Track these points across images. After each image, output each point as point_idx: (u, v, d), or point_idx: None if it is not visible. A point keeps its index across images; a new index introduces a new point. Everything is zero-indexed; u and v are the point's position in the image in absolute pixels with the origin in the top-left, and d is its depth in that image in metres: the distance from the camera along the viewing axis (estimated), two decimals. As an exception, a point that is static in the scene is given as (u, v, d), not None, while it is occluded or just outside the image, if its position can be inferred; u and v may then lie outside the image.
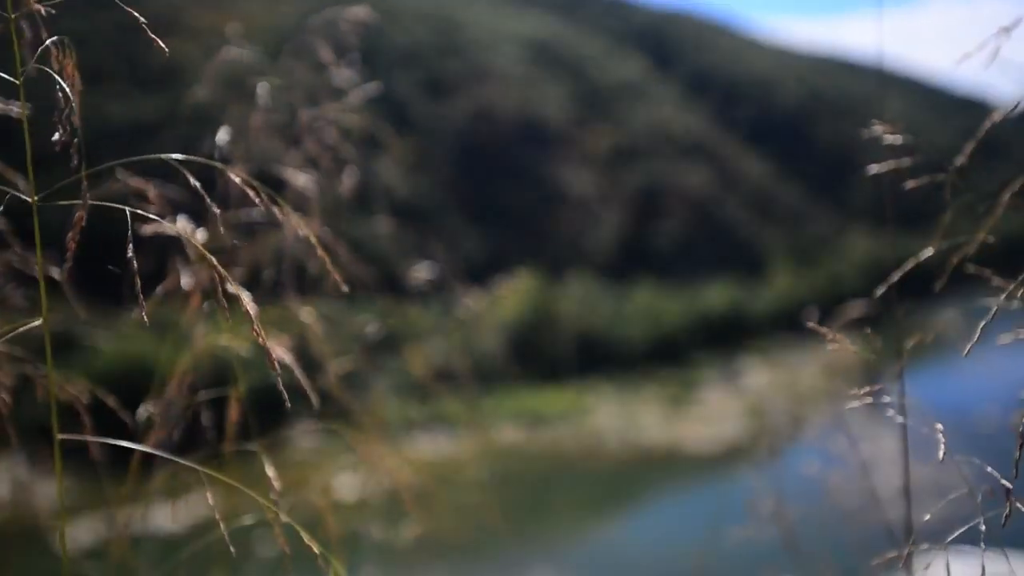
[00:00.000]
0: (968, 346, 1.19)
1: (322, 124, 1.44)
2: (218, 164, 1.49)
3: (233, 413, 1.13)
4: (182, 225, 1.14)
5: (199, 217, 1.58)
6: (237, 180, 1.36)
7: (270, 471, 1.10)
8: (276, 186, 1.48)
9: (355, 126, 1.51)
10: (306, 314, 1.43)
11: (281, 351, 1.18)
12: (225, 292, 1.20)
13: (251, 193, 1.50)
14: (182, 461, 1.19)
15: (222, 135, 1.33)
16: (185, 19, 55.11)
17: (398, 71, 62.36)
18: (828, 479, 1.86)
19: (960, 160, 1.24)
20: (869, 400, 1.24)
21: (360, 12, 1.50)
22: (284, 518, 1.11)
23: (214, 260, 1.25)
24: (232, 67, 1.47)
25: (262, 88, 1.43)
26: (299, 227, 1.25)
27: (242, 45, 1.64)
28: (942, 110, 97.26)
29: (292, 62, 1.54)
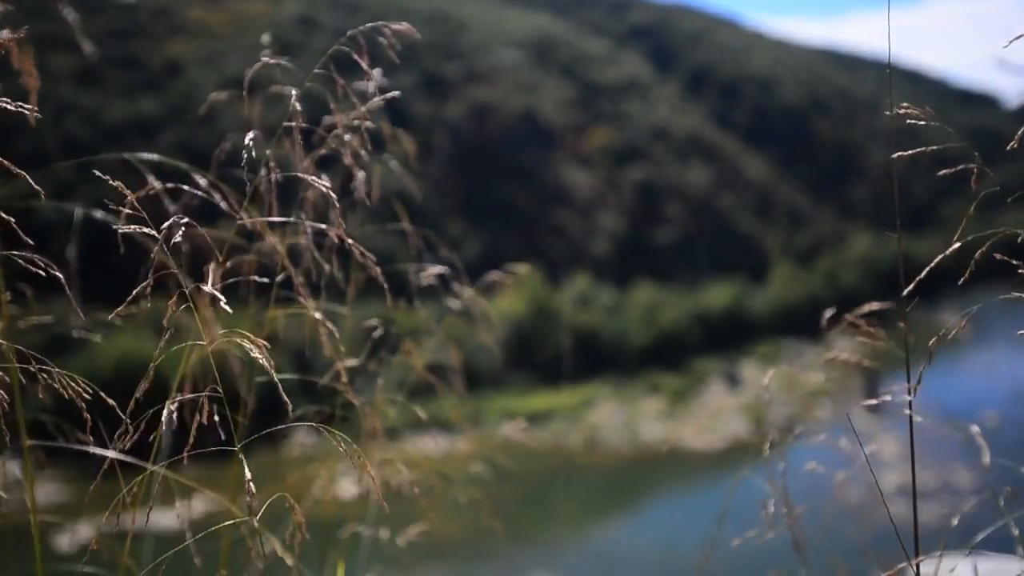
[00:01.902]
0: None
1: (345, 130, 1.44)
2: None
3: (204, 415, 1.12)
4: (166, 225, 1.13)
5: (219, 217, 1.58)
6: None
7: (247, 475, 1.09)
8: (298, 188, 1.48)
9: (375, 131, 1.51)
10: (313, 314, 1.43)
11: (263, 353, 1.17)
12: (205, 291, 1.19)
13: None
14: (149, 465, 1.18)
15: (249, 138, 1.32)
16: (185, 17, 55.14)
17: (399, 70, 62.24)
18: (830, 478, 1.86)
19: (1011, 145, 1.23)
20: (876, 400, 1.23)
21: (403, 26, 1.50)
22: (255, 522, 1.10)
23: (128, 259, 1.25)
24: (257, 70, 1.46)
25: (294, 95, 1.42)
26: (331, 231, 1.25)
27: (265, 49, 1.63)
28: (944, 106, 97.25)
29: (317, 68, 1.53)
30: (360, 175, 1.46)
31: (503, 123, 61.38)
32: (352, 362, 1.45)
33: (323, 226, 1.30)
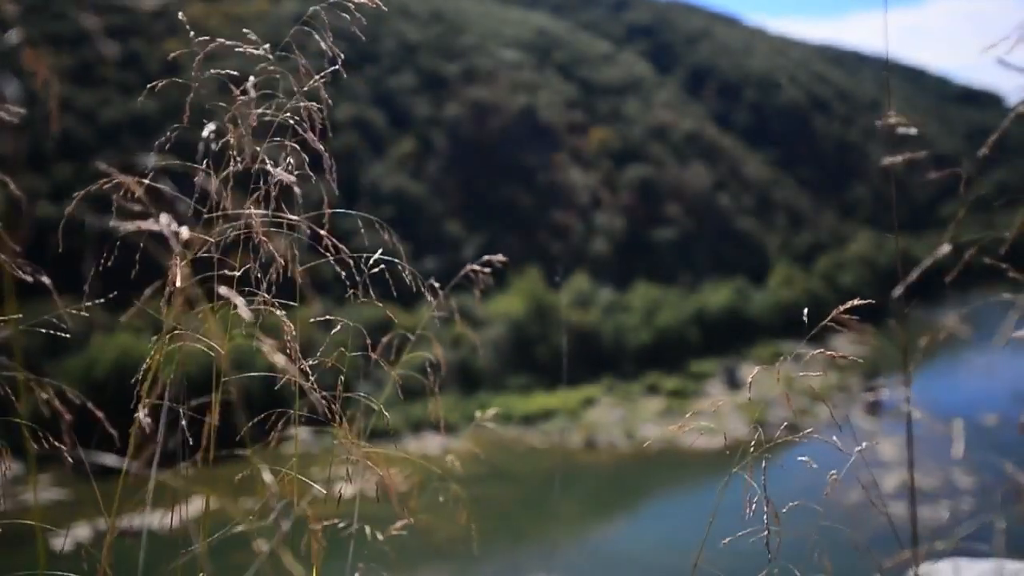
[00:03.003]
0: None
1: (305, 117, 1.42)
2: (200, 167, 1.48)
3: (216, 416, 1.12)
4: (165, 222, 1.12)
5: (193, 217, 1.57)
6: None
7: (267, 477, 1.09)
8: (263, 182, 1.47)
9: (331, 117, 1.49)
10: (298, 316, 1.42)
11: (278, 356, 1.17)
12: (217, 294, 1.19)
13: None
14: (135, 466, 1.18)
15: (207, 131, 1.31)
16: (185, 14, 55.05)
17: (399, 70, 62.32)
18: (828, 478, 1.85)
19: (981, 152, 1.23)
20: (875, 399, 1.23)
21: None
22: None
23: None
24: (225, 61, 1.45)
25: (249, 83, 1.41)
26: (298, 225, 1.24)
27: (236, 38, 1.62)
28: (945, 105, 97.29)
29: (287, 53, 1.52)
30: (290, 160, 1.43)
31: (502, 123, 61.39)
32: (312, 361, 1.44)
33: (294, 218, 1.28)
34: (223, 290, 1.17)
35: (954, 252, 1.28)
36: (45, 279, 1.17)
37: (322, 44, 1.45)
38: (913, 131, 1.30)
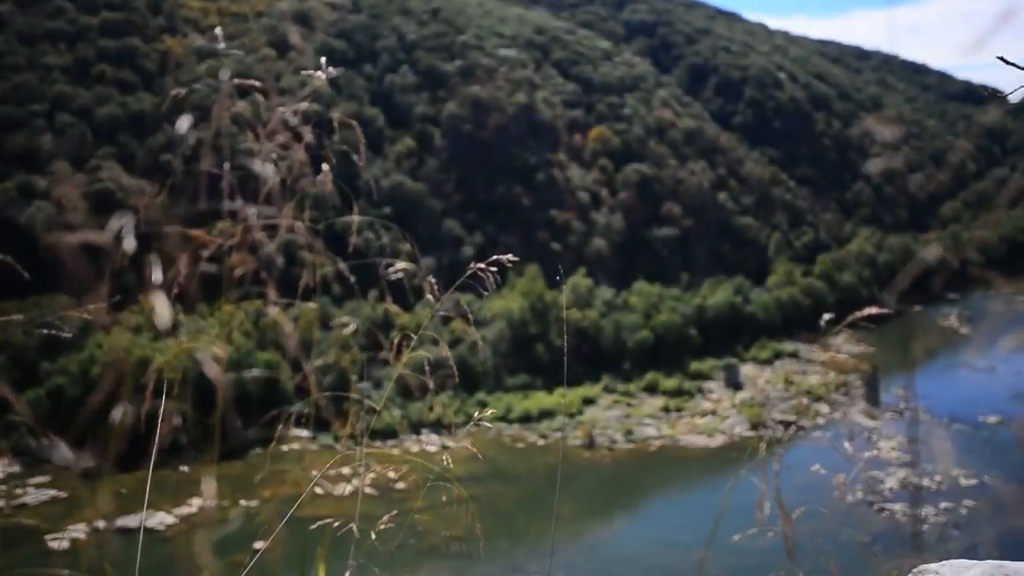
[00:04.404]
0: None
1: (288, 113, 1.41)
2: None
3: (165, 420, 1.11)
4: (110, 235, 1.11)
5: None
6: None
7: (208, 487, 1.08)
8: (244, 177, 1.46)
9: (314, 113, 1.48)
10: (303, 315, 1.41)
11: (214, 363, 1.17)
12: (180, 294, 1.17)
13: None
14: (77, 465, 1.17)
15: (182, 124, 1.30)
16: (179, 14, 55.00)
17: (397, 68, 62.22)
18: (830, 478, 1.85)
19: (957, 157, 1.21)
20: (874, 399, 1.23)
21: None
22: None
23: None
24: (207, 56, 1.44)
25: (224, 73, 1.41)
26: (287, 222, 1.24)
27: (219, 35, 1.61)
28: (946, 102, 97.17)
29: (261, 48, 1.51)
30: (325, 167, 1.43)
31: (501, 121, 61.32)
32: (319, 362, 1.43)
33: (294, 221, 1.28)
34: (154, 292, 1.16)
35: (950, 253, 1.28)
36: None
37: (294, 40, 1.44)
38: (889, 135, 1.29)
